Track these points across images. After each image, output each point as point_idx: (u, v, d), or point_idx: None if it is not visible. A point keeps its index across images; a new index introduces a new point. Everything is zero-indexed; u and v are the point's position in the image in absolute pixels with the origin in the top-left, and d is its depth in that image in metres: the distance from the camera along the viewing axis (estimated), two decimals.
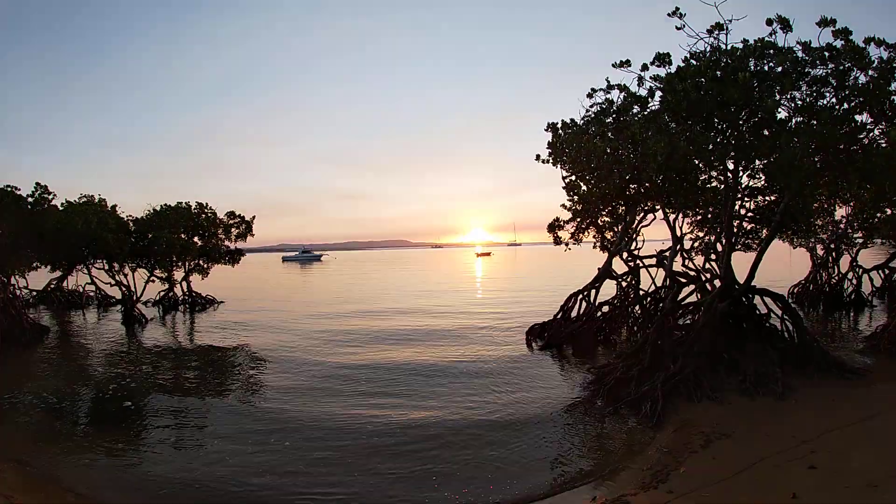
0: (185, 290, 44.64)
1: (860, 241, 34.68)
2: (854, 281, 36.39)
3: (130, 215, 37.92)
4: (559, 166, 23.49)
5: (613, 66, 17.06)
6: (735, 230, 18.92)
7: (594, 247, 26.39)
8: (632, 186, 20.46)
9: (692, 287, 20.91)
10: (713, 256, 22.30)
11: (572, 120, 22.48)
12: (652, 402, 14.70)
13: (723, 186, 17.69)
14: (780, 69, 14.71)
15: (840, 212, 31.00)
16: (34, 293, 47.30)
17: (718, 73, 14.68)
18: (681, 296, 20.14)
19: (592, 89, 20.21)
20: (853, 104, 14.91)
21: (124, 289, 35.56)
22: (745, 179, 17.51)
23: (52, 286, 48.78)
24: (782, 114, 15.34)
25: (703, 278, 21.63)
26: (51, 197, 33.75)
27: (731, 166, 16.77)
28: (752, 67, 14.90)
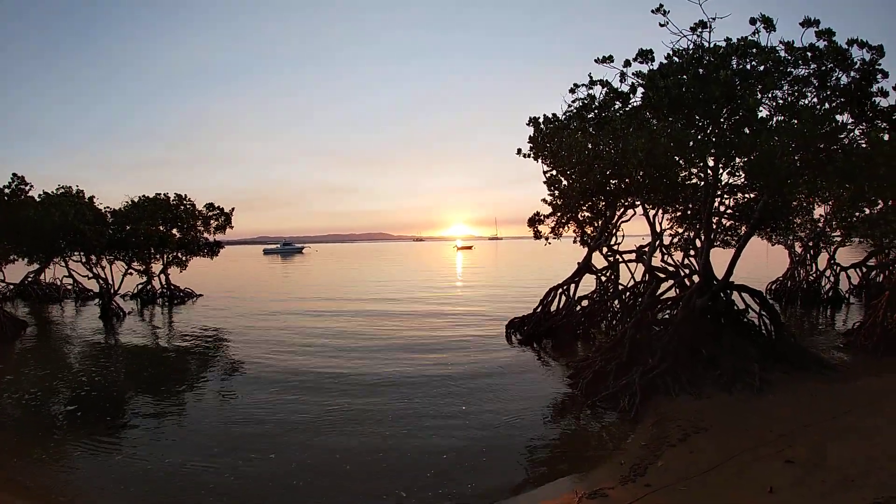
0: (164, 283, 44.28)
1: (838, 239, 35.06)
2: (832, 278, 36.89)
3: (108, 207, 37.51)
4: (540, 161, 23.56)
5: (596, 61, 17.06)
6: (714, 227, 19.03)
7: (574, 241, 26.44)
8: (612, 182, 20.50)
9: (671, 282, 21.03)
10: (692, 252, 22.43)
11: (554, 115, 22.57)
12: (630, 397, 14.84)
13: (702, 183, 17.78)
14: (762, 68, 14.80)
15: (819, 210, 31.31)
16: (11, 286, 46.48)
17: (700, 70, 14.74)
18: (660, 291, 20.25)
19: (575, 84, 20.27)
20: (834, 104, 15.06)
21: (102, 282, 35.13)
22: (724, 177, 17.59)
23: (30, 279, 48.39)
24: (763, 112, 15.42)
25: (682, 274, 21.77)
26: (27, 188, 33.28)
27: (711, 163, 16.84)
28: (735, 66, 14.98)
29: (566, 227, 26.02)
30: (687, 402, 14.59)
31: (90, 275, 35.42)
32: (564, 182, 23.50)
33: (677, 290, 20.50)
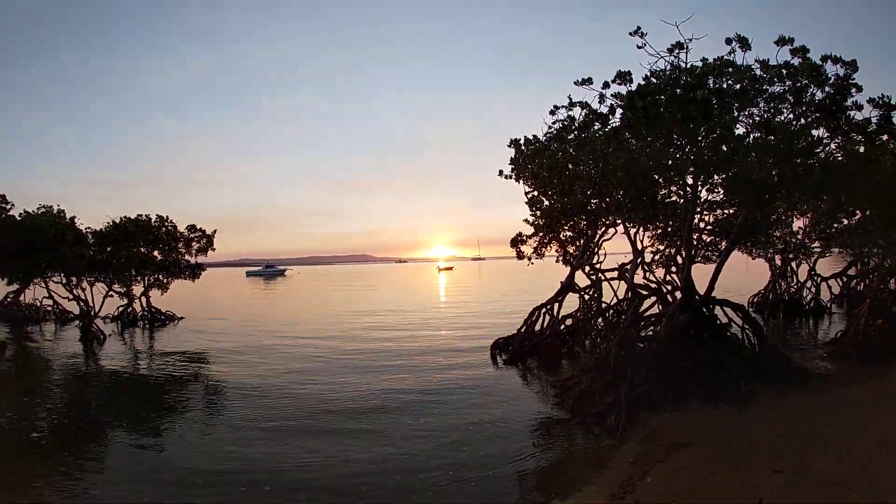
0: (145, 305, 43.76)
1: (818, 250, 35.48)
2: (813, 289, 37.33)
3: (89, 227, 36.88)
4: (522, 182, 23.68)
5: (576, 83, 17.30)
6: (695, 243, 19.24)
7: (557, 261, 26.50)
8: (593, 201, 20.68)
9: (654, 299, 21.18)
10: (673, 269, 22.63)
11: (535, 136, 22.74)
12: (616, 414, 14.88)
13: (682, 201, 17.99)
14: (738, 86, 15.04)
15: (798, 223, 31.69)
16: None
17: (678, 90, 14.94)
18: (643, 308, 20.39)
19: (555, 106, 20.50)
20: (810, 119, 15.32)
21: (82, 304, 34.65)
22: (703, 193, 17.81)
23: (9, 300, 48.06)
24: (741, 129, 15.66)
25: (665, 290, 21.93)
26: (8, 207, 33.02)
27: (690, 181, 17.05)
28: (712, 85, 15.22)
29: (549, 247, 26.08)
30: (673, 418, 14.69)
31: (70, 296, 34.98)
32: (546, 202, 23.61)
33: (660, 307, 20.66)
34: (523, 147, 23.11)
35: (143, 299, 43.55)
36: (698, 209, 18.13)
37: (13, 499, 11.87)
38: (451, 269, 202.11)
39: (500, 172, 23.83)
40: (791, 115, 15.48)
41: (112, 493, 12.05)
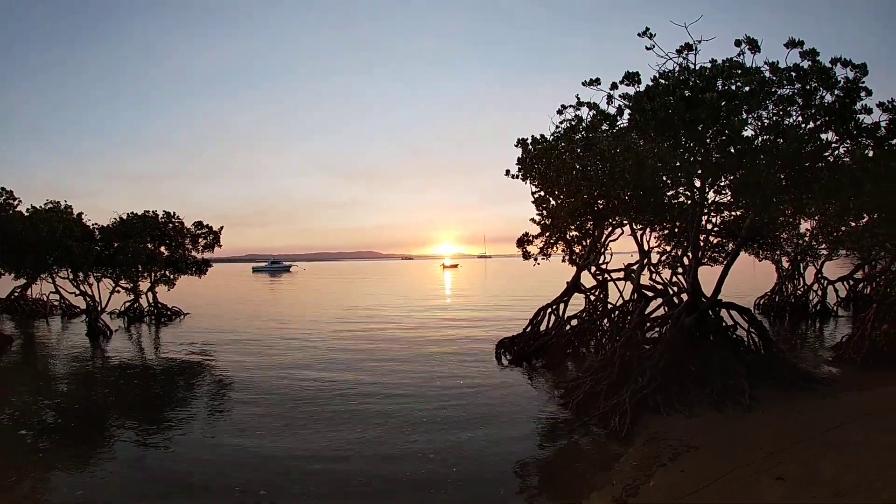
0: (151, 301, 43.89)
1: (825, 253, 35.34)
2: (819, 292, 37.16)
3: (96, 223, 37.26)
4: (528, 181, 23.64)
5: (584, 84, 17.18)
6: (701, 244, 19.15)
7: (563, 260, 26.40)
8: (600, 202, 20.61)
9: (660, 301, 21.10)
10: (679, 270, 22.52)
11: (542, 136, 22.67)
12: (620, 416, 14.82)
13: (689, 202, 17.92)
14: (747, 89, 14.95)
15: (805, 225, 31.53)
16: None
17: (687, 92, 14.85)
18: (648, 309, 20.31)
19: (563, 106, 20.47)
20: (819, 123, 15.21)
21: (88, 299, 34.82)
22: (710, 195, 17.71)
23: (16, 294, 48.59)
24: (749, 132, 15.56)
25: (671, 292, 21.85)
26: (16, 203, 33.25)
27: (697, 184, 16.97)
28: (720, 87, 15.12)
29: (555, 247, 25.97)
30: (677, 421, 14.63)
31: (77, 291, 35.16)
32: (553, 202, 23.53)
33: (665, 309, 20.60)
34: (530, 147, 23.07)
35: (150, 295, 43.59)
36: (705, 211, 18.06)
37: (11, 497, 11.83)
38: (455, 266, 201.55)
39: (507, 172, 23.76)
40: (800, 118, 15.37)
41: (113, 492, 12.08)
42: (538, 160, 22.48)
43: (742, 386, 15.95)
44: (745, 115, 14.94)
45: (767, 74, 15.15)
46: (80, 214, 35.83)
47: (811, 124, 15.24)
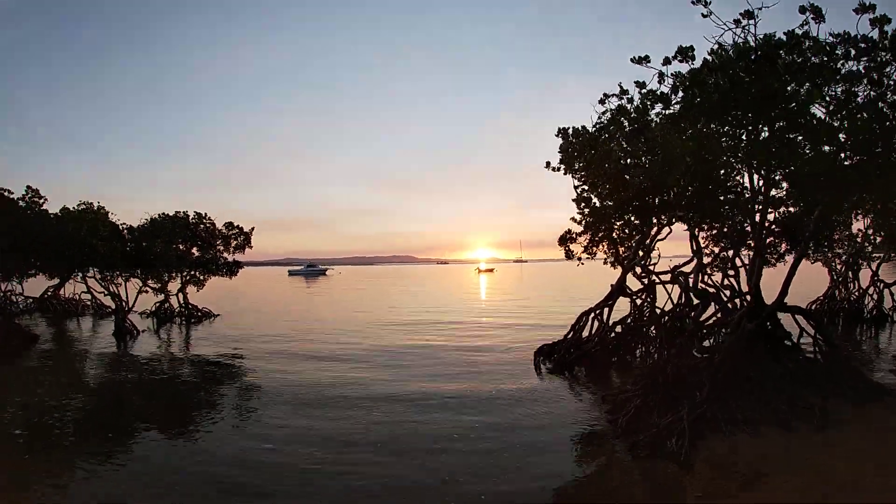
0: (182, 301, 43.46)
1: (881, 255, 33.56)
2: (875, 296, 35.17)
3: (125, 223, 37.14)
4: (570, 174, 22.17)
5: (632, 60, 15.69)
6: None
7: (604, 262, 24.73)
8: (647, 197, 19.17)
9: (711, 306, 19.63)
10: (731, 272, 21.01)
11: (583, 127, 21.24)
12: (678, 436, 12.95)
13: (750, 194, 16.37)
14: (815, 60, 13.40)
15: (857, 225, 29.68)
16: (31, 300, 48.47)
17: (751, 65, 13.34)
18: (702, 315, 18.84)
19: (605, 95, 19.12)
20: (890, 101, 13.53)
21: (116, 299, 34.47)
22: (773, 191, 16.16)
23: (49, 293, 49.54)
24: (818, 113, 13.98)
25: (724, 296, 20.34)
26: (42, 201, 33.13)
27: (762, 173, 15.42)
28: (784, 61, 13.58)
29: (599, 246, 24.22)
30: (742, 442, 12.84)
31: (105, 291, 35.00)
32: (595, 201, 22.04)
33: (719, 314, 19.12)
34: (572, 138, 21.59)
35: (181, 296, 43.24)
36: (770, 206, 16.45)
37: (28, 496, 11.28)
38: (491, 270, 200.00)
39: (548, 164, 22.25)
40: (870, 96, 13.68)
41: (132, 495, 11.44)
42: (580, 152, 21.03)
43: (813, 400, 14.31)
44: (814, 90, 13.37)
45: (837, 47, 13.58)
46: (107, 213, 35.54)
47: (880, 104, 13.53)
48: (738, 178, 16.88)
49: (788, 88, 13.34)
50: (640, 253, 23.06)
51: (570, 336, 23.88)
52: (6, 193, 32.97)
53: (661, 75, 15.59)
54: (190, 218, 40.51)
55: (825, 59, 13.41)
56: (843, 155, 13.86)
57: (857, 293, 36.00)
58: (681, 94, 14.90)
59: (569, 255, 24.53)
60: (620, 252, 23.85)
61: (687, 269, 22.25)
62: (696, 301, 20.30)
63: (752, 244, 17.87)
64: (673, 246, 23.08)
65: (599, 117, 19.97)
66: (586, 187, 21.84)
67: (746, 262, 19.06)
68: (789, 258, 19.06)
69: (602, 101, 19.44)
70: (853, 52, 13.43)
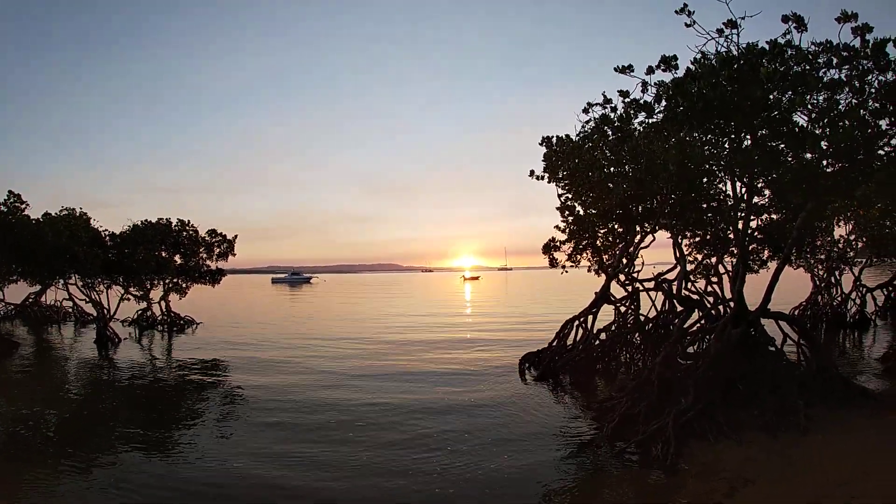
0: (164, 309, 42.98)
1: (863, 259, 33.84)
2: (857, 301, 35.42)
3: (106, 230, 36.72)
4: (554, 183, 22.23)
5: (616, 70, 15.70)
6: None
7: (589, 270, 24.73)
8: (632, 205, 19.23)
9: (695, 313, 19.72)
10: (714, 279, 21.12)
11: (567, 136, 21.31)
12: (664, 443, 12.99)
13: (733, 202, 16.47)
14: (797, 69, 13.50)
15: (839, 230, 29.92)
16: (12, 307, 48.20)
17: (737, 66, 13.42)
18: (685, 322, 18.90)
19: (588, 104, 19.04)
20: (871, 109, 13.63)
21: (97, 306, 34.21)
22: (755, 198, 16.26)
23: (30, 300, 48.96)
24: (800, 121, 14.08)
25: (708, 303, 20.43)
26: (23, 207, 32.71)
27: (745, 180, 15.51)
28: (767, 69, 13.66)
29: (583, 254, 24.22)
30: (727, 448, 12.87)
31: (87, 298, 34.72)
32: (579, 209, 22.10)
33: (702, 321, 19.19)
34: (555, 147, 21.65)
35: (163, 303, 42.74)
36: (751, 213, 16.54)
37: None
38: (476, 278, 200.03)
39: (532, 173, 22.33)
40: (852, 104, 13.77)
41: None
42: (564, 161, 21.08)
43: (796, 406, 14.31)
44: (796, 98, 13.45)
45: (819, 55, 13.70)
46: (88, 219, 35.10)
47: (862, 112, 13.62)
48: (720, 185, 17.12)
49: (771, 97, 13.44)
50: (624, 260, 23.15)
51: (554, 343, 23.90)
52: None
53: (645, 84, 15.63)
54: (173, 225, 40.09)
55: (807, 67, 13.52)
56: (825, 162, 13.94)
57: (839, 298, 36.19)
58: (664, 103, 14.94)
59: (553, 263, 24.55)
60: (604, 260, 23.86)
61: (671, 276, 22.37)
62: (679, 308, 20.36)
63: (736, 251, 17.87)
64: (656, 253, 23.21)
65: (583, 126, 19.98)
66: (570, 195, 21.98)
67: (730, 268, 19.08)
68: (772, 264, 19.08)
69: (586, 111, 19.44)
70: (835, 60, 13.54)
